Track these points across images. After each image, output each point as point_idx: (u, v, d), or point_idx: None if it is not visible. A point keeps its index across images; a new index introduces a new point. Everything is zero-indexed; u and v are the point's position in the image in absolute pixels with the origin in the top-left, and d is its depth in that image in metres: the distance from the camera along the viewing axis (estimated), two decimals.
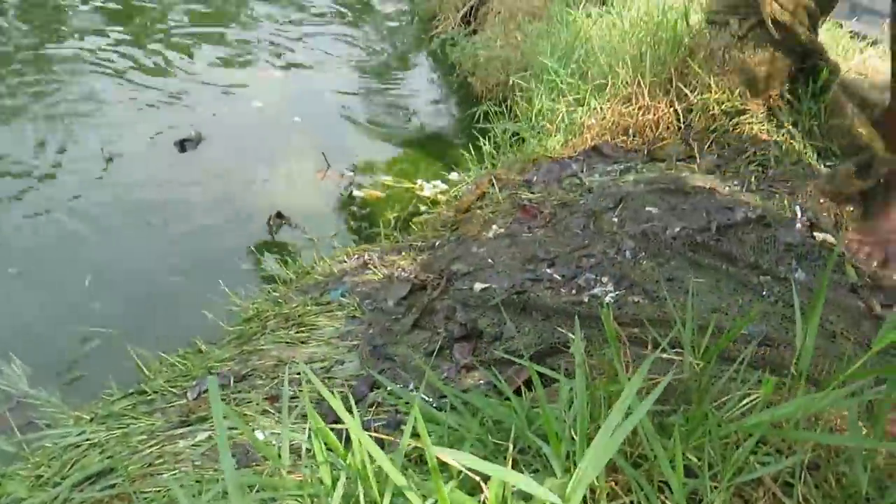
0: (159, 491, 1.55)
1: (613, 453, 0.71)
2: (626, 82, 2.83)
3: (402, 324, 2.00)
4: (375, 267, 2.49)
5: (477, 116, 4.24)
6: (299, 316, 2.28)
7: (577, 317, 0.92)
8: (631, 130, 2.83)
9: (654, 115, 2.74)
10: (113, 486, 1.63)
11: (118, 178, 3.63)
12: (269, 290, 2.72)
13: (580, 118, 3.01)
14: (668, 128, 2.67)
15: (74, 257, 3.11)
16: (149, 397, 2.14)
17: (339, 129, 4.51)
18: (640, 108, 2.77)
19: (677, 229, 2.07)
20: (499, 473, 0.70)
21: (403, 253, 2.67)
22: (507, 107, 4.28)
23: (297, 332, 2.16)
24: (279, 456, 1.16)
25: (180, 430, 1.79)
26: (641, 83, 2.75)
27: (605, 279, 1.86)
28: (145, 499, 1.53)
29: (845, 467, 0.88)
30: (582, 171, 2.64)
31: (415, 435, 0.80)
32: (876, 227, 2.07)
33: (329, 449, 0.98)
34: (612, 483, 0.95)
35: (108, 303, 2.85)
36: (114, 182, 3.60)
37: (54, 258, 3.10)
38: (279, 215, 3.45)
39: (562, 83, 3.50)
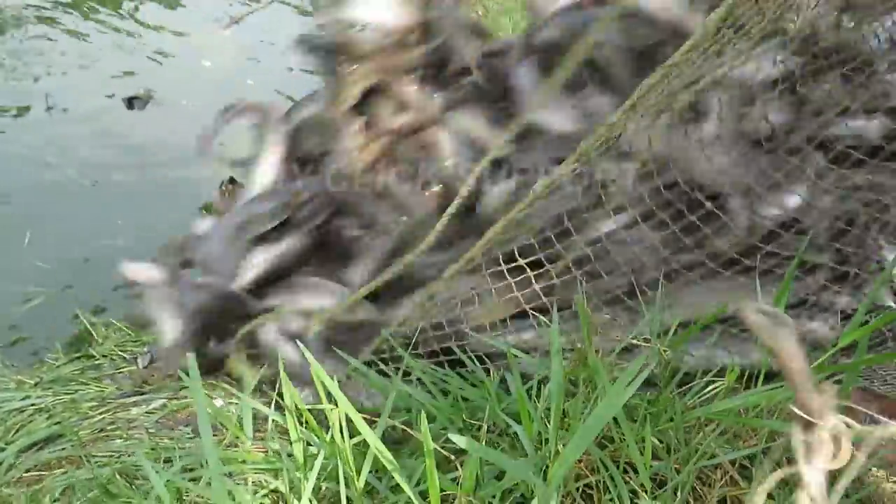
0: (112, 456, 1.53)
1: (593, 438, 0.74)
2: None
3: None
4: None
5: None
6: None
7: (553, 304, 0.95)
8: None
9: None
10: (62, 450, 1.60)
11: (63, 132, 3.48)
12: None
13: None
14: None
15: (12, 213, 2.98)
16: (96, 362, 2.09)
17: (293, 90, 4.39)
18: None
19: None
20: (480, 451, 0.72)
21: None
22: None
23: None
24: (241, 427, 1.16)
25: (133, 398, 1.77)
26: None
27: None
28: (97, 463, 1.50)
29: None
30: None
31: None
32: None
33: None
34: (578, 463, 0.98)
35: (49, 262, 2.75)
36: (59, 135, 3.46)
37: None
38: (232, 181, 3.37)
39: None
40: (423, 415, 0.68)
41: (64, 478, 1.44)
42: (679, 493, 0.91)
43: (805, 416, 0.58)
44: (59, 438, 1.67)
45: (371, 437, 0.75)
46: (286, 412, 0.94)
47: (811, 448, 0.59)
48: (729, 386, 0.97)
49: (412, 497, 0.77)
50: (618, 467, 0.95)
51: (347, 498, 0.89)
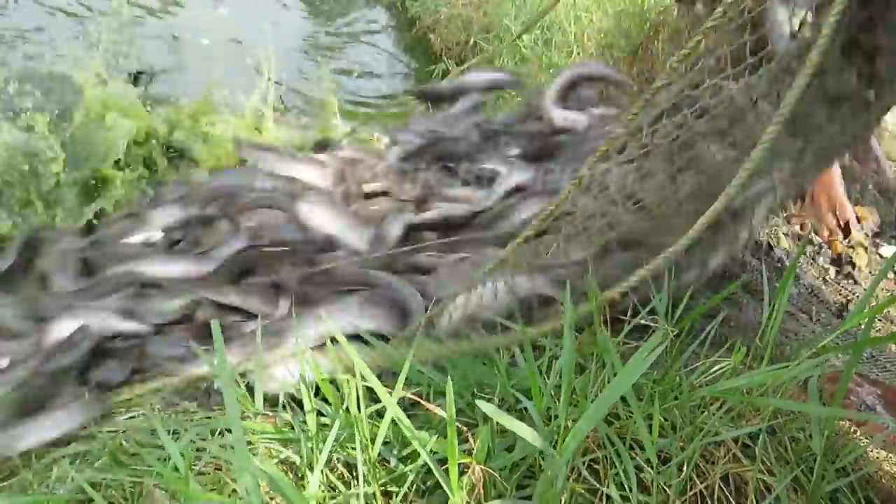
0: (117, 431, 1.54)
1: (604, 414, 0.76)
2: (592, 54, 2.86)
3: None
4: None
5: (435, 74, 4.19)
6: None
7: (565, 283, 0.97)
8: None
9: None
10: None
11: None
12: None
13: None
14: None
15: None
16: None
17: (290, 75, 4.37)
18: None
19: None
20: (502, 417, 0.73)
21: None
22: (467, 67, 4.24)
23: None
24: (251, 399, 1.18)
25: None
26: (607, 56, 2.79)
27: None
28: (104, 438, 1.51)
29: (800, 434, 0.96)
30: None
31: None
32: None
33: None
34: (585, 439, 1.01)
35: None
36: None
37: None
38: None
39: (525, 48, 3.51)
40: (450, 382, 0.70)
41: (73, 448, 1.46)
42: (684, 470, 0.93)
43: None
44: None
45: (392, 404, 0.77)
46: (301, 383, 0.96)
47: None
48: (734, 366, 0.99)
49: (430, 463, 0.79)
50: (623, 443, 0.97)
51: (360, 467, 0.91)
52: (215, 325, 0.81)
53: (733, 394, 0.92)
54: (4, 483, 1.43)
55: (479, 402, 0.73)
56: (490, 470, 0.83)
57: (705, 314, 1.12)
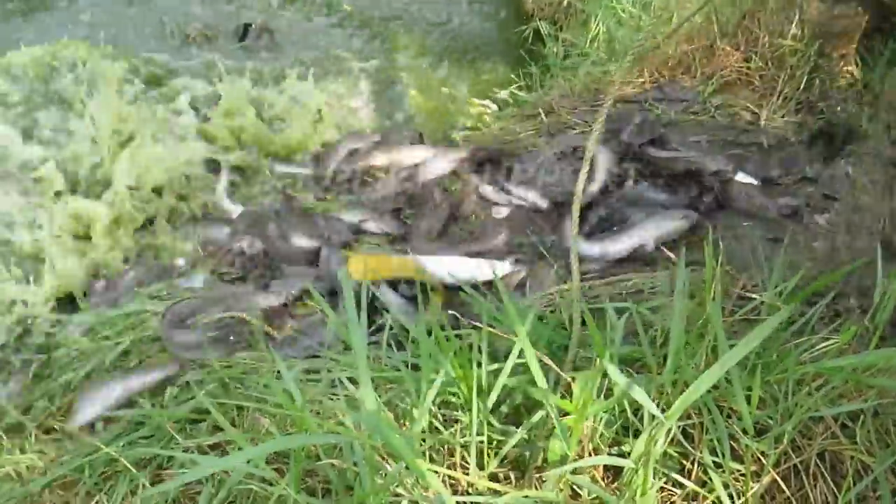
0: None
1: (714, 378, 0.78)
2: (691, 20, 2.77)
3: None
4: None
5: (527, 35, 4.13)
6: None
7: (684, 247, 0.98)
8: (694, 69, 2.80)
9: (721, 57, 2.71)
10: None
11: None
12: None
13: (640, 51, 2.96)
14: (733, 72, 2.65)
15: None
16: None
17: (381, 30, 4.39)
18: (704, 48, 2.74)
19: None
20: (623, 382, 0.77)
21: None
22: (559, 28, 4.16)
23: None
24: None
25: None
26: (713, 21, 2.70)
27: None
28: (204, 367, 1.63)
29: None
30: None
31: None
32: None
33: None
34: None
35: None
36: None
37: None
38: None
39: (622, 11, 3.43)
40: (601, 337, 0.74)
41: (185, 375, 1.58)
42: (781, 443, 0.94)
43: None
44: None
45: (529, 350, 0.81)
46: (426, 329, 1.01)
47: None
48: (842, 345, 0.99)
49: (551, 410, 0.84)
50: (721, 413, 0.99)
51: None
52: (343, 274, 0.86)
53: (839, 372, 0.92)
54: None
55: (609, 367, 0.76)
56: (594, 425, 0.87)
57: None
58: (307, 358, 1.58)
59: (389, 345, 1.30)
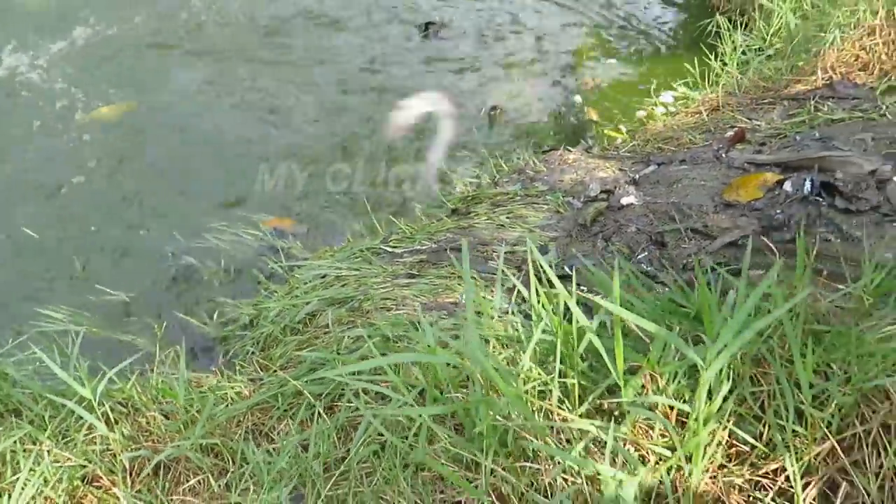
0: (386, 322, 1.97)
1: (748, 335, 0.93)
2: (875, 12, 2.68)
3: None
4: (577, 169, 2.71)
5: (709, 29, 4.11)
6: (507, 203, 2.59)
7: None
8: (872, 67, 2.71)
9: None
10: (352, 309, 2.10)
11: None
12: (482, 176, 3.04)
13: (818, 46, 2.91)
14: None
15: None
16: (377, 252, 2.59)
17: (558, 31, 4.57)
18: (885, 44, 2.64)
19: None
20: (661, 333, 0.95)
21: (608, 161, 2.85)
22: (742, 22, 4.09)
23: (506, 217, 2.48)
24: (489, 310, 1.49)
25: (405, 280, 2.21)
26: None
27: None
28: (372, 325, 1.96)
29: None
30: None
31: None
32: None
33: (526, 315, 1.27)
34: (756, 371, 1.16)
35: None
36: None
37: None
38: (494, 108, 3.72)
39: (808, 5, 3.34)
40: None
41: (354, 330, 1.91)
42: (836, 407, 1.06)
43: None
44: (350, 300, 2.17)
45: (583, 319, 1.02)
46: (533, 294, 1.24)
47: None
48: None
49: (613, 370, 1.03)
50: (789, 382, 1.11)
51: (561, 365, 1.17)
52: (465, 248, 1.11)
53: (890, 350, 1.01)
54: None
55: (645, 322, 0.94)
56: (657, 375, 1.05)
57: None
58: None
59: None
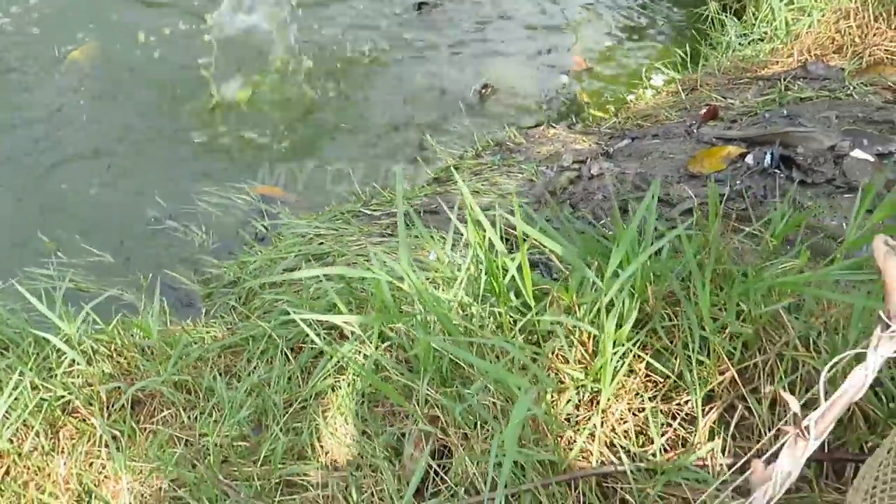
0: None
1: (642, 259, 1.03)
2: None
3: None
4: (555, 142, 2.80)
5: (706, 15, 4.16)
6: (485, 172, 2.69)
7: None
8: (846, 49, 2.78)
9: (874, 35, 2.67)
10: (326, 263, 2.20)
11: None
12: (465, 148, 3.13)
13: (798, 29, 2.98)
14: (882, 50, 2.61)
15: None
16: (357, 215, 2.69)
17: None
18: (859, 27, 2.71)
19: None
20: (568, 254, 1.04)
21: (587, 136, 2.94)
22: (737, 8, 4.14)
23: (481, 184, 2.57)
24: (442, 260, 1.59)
25: (378, 239, 2.31)
26: None
27: None
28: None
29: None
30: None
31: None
32: None
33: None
34: (672, 310, 1.26)
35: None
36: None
37: None
38: (486, 86, 3.80)
39: None
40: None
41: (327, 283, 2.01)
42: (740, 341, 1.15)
43: (887, 319, 0.80)
44: (326, 256, 2.27)
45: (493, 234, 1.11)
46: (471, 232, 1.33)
47: (881, 341, 0.82)
48: (800, 268, 1.16)
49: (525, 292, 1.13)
50: (697, 319, 1.21)
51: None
52: (398, 174, 1.21)
53: (793, 284, 1.11)
54: None
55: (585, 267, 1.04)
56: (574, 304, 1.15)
57: None
58: None
59: None
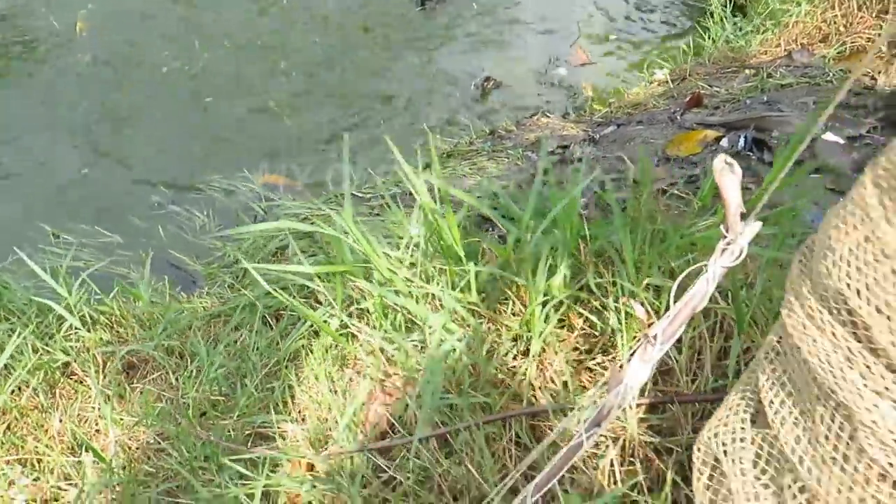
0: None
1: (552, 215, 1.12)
2: None
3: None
4: (545, 129, 2.89)
5: (710, 10, 4.20)
6: (474, 157, 2.78)
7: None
8: (832, 38, 2.83)
9: (858, 24, 2.71)
10: (314, 241, 2.32)
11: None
12: (462, 136, 3.23)
13: (788, 19, 3.02)
14: (863, 38, 2.65)
15: None
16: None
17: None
18: (844, 16, 2.75)
19: None
20: (495, 215, 1.13)
21: (578, 124, 3.01)
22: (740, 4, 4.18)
23: (469, 168, 2.67)
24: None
25: (364, 218, 2.41)
26: None
27: None
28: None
29: None
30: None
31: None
32: None
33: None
34: (600, 265, 1.34)
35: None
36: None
37: None
38: (488, 79, 3.89)
39: None
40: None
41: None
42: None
43: (725, 231, 0.89)
44: (313, 234, 2.38)
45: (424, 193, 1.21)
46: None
47: (722, 252, 0.91)
48: (716, 223, 1.24)
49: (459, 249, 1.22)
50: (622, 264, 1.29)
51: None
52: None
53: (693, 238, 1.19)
54: None
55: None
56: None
57: None
58: None
59: None
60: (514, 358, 1.32)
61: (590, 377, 1.31)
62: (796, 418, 0.73)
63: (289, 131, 3.65)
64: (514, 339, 1.32)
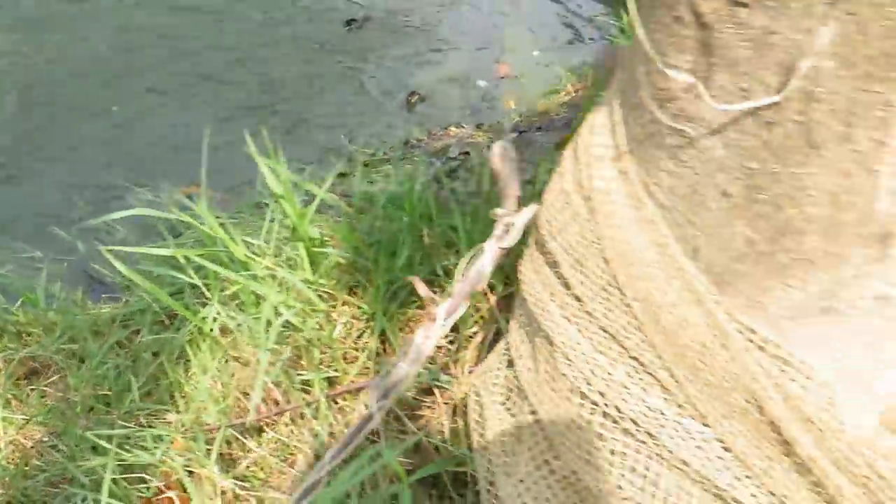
0: None
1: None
2: None
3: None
4: (454, 138, 3.02)
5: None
6: (385, 166, 2.90)
7: None
8: None
9: None
10: None
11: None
12: (377, 148, 3.34)
13: None
14: None
15: None
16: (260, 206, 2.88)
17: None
18: None
19: None
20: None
21: (488, 133, 3.15)
22: None
23: (376, 175, 2.78)
24: None
25: None
26: None
27: None
28: None
29: None
30: None
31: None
32: None
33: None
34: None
35: None
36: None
37: None
38: (412, 94, 4.02)
39: None
40: None
41: None
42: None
43: (499, 215, 1.01)
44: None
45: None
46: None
47: (497, 235, 1.02)
48: None
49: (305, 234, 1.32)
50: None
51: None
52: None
53: None
54: None
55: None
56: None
57: None
58: None
59: None
60: (361, 336, 1.42)
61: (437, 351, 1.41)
62: (528, 353, 0.84)
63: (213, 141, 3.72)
64: (369, 319, 1.42)
